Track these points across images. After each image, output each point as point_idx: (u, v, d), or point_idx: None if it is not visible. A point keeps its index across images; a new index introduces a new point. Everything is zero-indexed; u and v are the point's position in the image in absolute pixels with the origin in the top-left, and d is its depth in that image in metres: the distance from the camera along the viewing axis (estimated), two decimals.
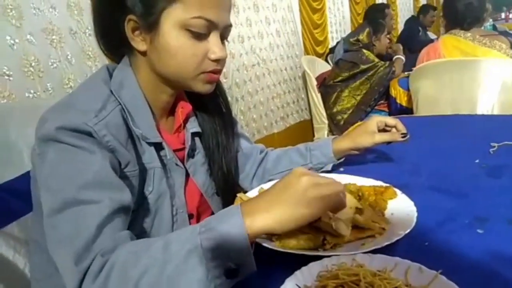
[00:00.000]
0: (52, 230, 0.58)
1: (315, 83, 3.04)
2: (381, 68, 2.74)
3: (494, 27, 3.86)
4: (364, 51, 2.80)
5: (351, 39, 2.86)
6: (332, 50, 3.58)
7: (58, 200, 0.58)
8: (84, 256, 0.53)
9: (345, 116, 2.93)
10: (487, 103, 1.78)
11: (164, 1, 0.66)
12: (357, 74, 2.82)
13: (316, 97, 3.06)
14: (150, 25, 0.68)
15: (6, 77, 1.34)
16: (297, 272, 0.52)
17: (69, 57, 1.55)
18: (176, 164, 0.77)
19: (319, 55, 3.60)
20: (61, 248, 0.56)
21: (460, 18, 1.93)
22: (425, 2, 5.12)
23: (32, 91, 1.41)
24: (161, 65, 0.71)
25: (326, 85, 3.02)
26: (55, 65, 1.50)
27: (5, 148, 0.85)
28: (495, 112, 1.75)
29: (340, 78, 2.89)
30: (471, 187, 0.80)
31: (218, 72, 0.74)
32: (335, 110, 2.97)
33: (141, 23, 0.68)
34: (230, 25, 0.74)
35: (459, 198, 0.76)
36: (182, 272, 0.49)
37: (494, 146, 0.99)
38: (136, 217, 0.70)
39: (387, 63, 2.77)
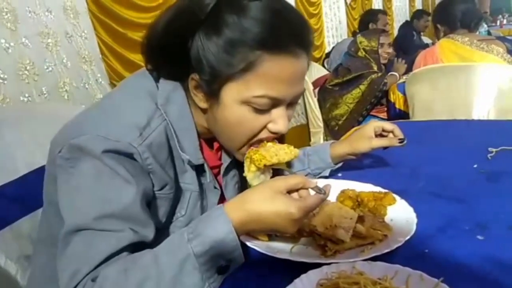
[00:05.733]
0: (65, 244, 0.57)
1: (311, 87, 3.03)
2: (374, 77, 2.71)
3: (489, 33, 3.89)
4: (369, 58, 2.72)
5: (365, 45, 2.77)
6: (328, 55, 3.58)
7: (80, 219, 0.56)
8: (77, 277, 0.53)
9: (339, 122, 2.93)
10: (482, 108, 1.78)
11: (227, 74, 0.61)
12: (350, 80, 2.79)
13: (313, 102, 3.06)
14: (211, 92, 0.64)
15: (1, 81, 1.33)
16: (297, 280, 0.51)
17: (64, 60, 1.54)
18: (215, 187, 0.74)
19: (315, 60, 3.61)
20: (65, 263, 0.56)
21: (465, 21, 1.96)
22: (420, 7, 5.17)
23: (27, 95, 1.40)
24: (216, 129, 0.69)
25: (323, 90, 3.01)
26: (50, 68, 1.48)
27: None
28: (491, 117, 1.75)
29: (334, 82, 2.88)
30: (470, 193, 0.80)
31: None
32: (330, 116, 2.96)
33: (203, 86, 0.64)
34: (302, 91, 0.69)
35: (458, 203, 0.76)
36: (179, 281, 0.51)
37: (492, 151, 0.99)
38: (162, 237, 0.64)
39: (381, 73, 2.70)
